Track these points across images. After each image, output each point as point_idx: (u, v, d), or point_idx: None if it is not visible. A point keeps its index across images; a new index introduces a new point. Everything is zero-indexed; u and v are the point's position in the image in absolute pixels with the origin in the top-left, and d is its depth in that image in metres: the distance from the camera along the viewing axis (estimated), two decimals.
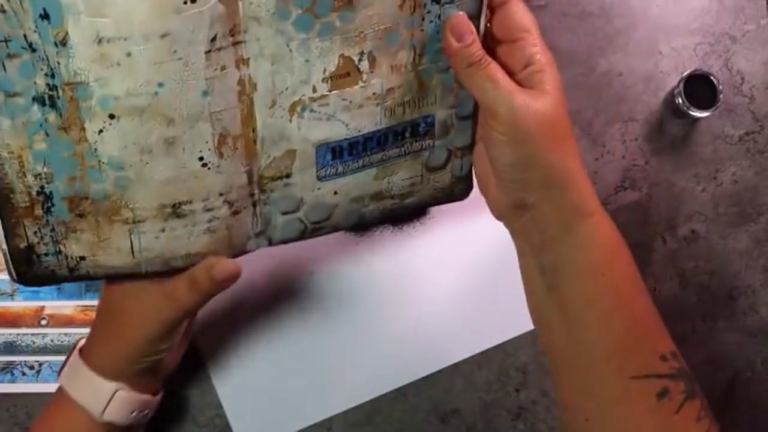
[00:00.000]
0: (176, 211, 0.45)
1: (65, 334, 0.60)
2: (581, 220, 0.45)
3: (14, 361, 0.60)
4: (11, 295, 0.60)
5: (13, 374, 0.60)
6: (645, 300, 0.46)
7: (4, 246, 0.45)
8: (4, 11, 0.39)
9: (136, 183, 0.44)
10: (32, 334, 0.60)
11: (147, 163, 0.43)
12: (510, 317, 0.60)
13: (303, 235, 0.50)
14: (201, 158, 0.44)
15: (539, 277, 0.46)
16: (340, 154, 0.48)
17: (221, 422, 0.59)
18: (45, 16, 0.39)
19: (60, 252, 0.45)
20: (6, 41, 0.40)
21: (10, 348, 0.60)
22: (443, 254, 0.62)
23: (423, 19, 0.46)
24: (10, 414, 0.59)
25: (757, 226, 0.64)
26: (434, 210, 0.63)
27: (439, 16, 0.46)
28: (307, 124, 0.46)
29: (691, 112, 0.60)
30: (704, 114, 0.60)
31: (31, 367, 0.60)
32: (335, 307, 0.61)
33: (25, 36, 0.40)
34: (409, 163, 0.51)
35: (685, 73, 0.61)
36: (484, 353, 0.61)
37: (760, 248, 0.64)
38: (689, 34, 0.65)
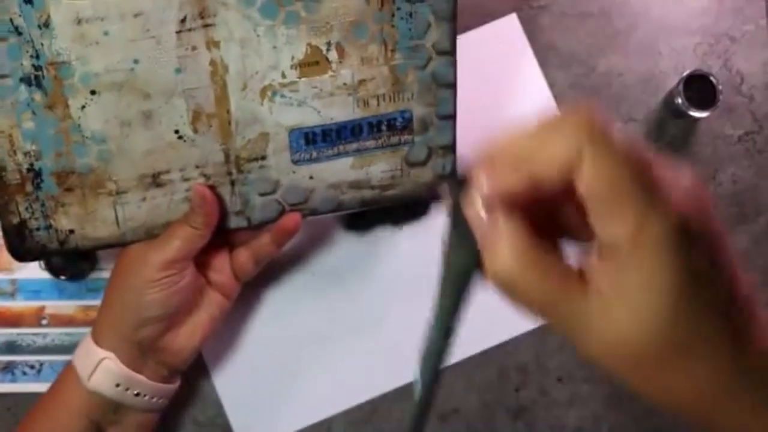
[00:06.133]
0: (156, 180, 0.49)
1: (66, 333, 0.60)
2: None
3: (15, 361, 0.60)
4: (12, 295, 0.60)
5: (13, 374, 0.60)
6: None
7: None
8: None
9: (117, 155, 0.47)
10: (33, 334, 0.60)
11: (127, 136, 0.47)
12: (510, 317, 0.60)
13: (281, 216, 0.52)
14: (177, 131, 0.48)
15: None
16: (314, 140, 0.50)
17: (221, 422, 0.59)
18: (28, 0, 0.43)
19: (50, 226, 0.48)
20: None
21: (11, 348, 0.60)
22: None
23: (393, 15, 0.47)
24: (11, 414, 0.59)
25: (757, 226, 0.64)
26: (435, 210, 0.63)
27: (411, 14, 0.47)
28: (279, 108, 0.49)
29: (690, 112, 0.60)
30: (704, 114, 0.60)
31: (32, 367, 0.60)
32: (335, 307, 0.61)
33: (11, 20, 0.43)
34: (388, 156, 0.52)
35: (685, 73, 0.61)
36: (484, 353, 0.61)
37: (759, 248, 0.64)
38: (689, 34, 0.65)
